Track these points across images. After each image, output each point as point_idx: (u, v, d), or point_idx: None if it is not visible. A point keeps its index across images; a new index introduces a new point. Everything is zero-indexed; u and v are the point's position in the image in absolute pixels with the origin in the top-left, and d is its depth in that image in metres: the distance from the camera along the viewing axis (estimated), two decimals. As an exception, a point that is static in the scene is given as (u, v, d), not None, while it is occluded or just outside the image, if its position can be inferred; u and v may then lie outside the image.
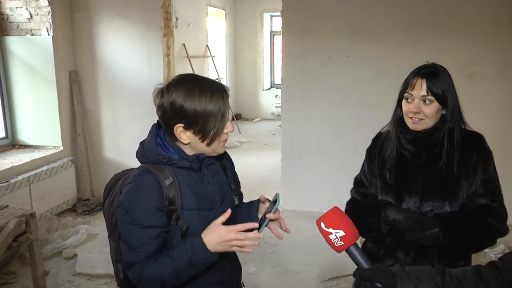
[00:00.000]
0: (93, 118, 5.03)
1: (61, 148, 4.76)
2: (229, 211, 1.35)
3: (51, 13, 4.53)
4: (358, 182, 1.84)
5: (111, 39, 4.81)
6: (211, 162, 1.51)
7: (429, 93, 1.56)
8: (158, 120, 1.45)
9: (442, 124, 1.61)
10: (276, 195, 1.43)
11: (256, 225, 1.34)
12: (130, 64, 4.82)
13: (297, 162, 4.71)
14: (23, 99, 4.72)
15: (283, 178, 4.79)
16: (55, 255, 3.78)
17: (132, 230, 1.36)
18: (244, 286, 1.71)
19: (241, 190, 1.70)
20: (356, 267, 1.20)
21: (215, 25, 9.76)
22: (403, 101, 1.64)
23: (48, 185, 4.40)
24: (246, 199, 1.71)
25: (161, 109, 1.38)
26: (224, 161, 1.60)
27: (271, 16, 10.72)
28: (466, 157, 1.61)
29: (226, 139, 1.44)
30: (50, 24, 4.55)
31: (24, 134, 4.80)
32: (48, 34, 4.56)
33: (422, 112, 1.57)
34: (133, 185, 1.38)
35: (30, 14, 4.55)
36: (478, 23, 4.09)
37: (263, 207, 1.54)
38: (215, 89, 1.36)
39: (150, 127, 1.47)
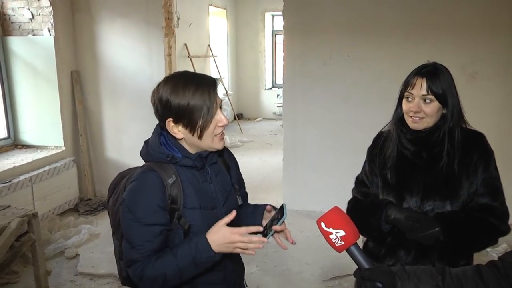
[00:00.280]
0: (95, 118, 5.04)
1: (63, 148, 4.77)
2: (234, 213, 1.36)
3: (52, 13, 4.54)
4: (359, 181, 1.84)
5: (113, 39, 4.82)
6: (214, 161, 1.52)
7: (429, 92, 1.56)
8: None
9: (443, 123, 1.60)
10: (283, 207, 1.42)
11: (261, 228, 1.37)
12: (132, 64, 4.83)
13: (298, 161, 4.72)
14: (25, 99, 4.73)
15: (285, 177, 4.80)
16: (57, 255, 3.79)
17: (134, 227, 1.37)
18: (247, 286, 1.71)
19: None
20: (356, 267, 1.21)
21: (217, 25, 9.76)
22: (404, 100, 1.64)
23: (50, 185, 4.41)
24: (248, 200, 1.72)
25: (154, 106, 1.42)
26: (228, 161, 1.61)
27: (273, 16, 10.71)
28: (467, 156, 1.60)
29: (222, 133, 1.44)
30: (52, 24, 4.56)
31: (26, 134, 4.81)
32: (50, 34, 4.58)
33: (422, 111, 1.57)
34: (136, 183, 1.39)
35: (32, 14, 4.56)
36: (479, 23, 4.09)
37: (268, 215, 1.55)
38: (200, 83, 1.38)
39: (154, 127, 1.49)
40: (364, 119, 4.34)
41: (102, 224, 4.36)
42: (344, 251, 1.22)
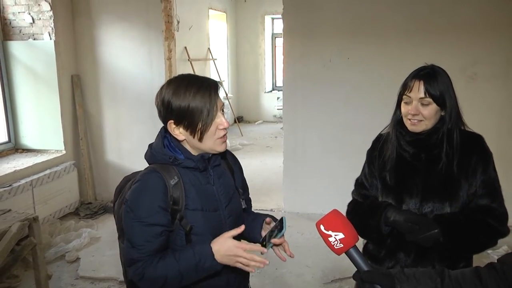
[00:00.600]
0: (95, 122, 5.05)
1: (64, 152, 4.78)
2: (242, 227, 1.38)
3: (53, 18, 4.56)
4: (359, 183, 1.84)
5: (113, 43, 4.84)
6: (217, 163, 1.52)
7: (427, 95, 1.56)
8: None
9: (441, 125, 1.61)
10: (282, 220, 1.44)
11: (265, 250, 1.40)
12: (132, 67, 4.84)
13: (299, 164, 4.72)
14: (25, 103, 4.74)
15: (285, 180, 4.80)
16: (58, 259, 3.79)
17: (135, 227, 1.38)
18: None
19: None
20: (356, 269, 1.21)
21: (217, 28, 9.79)
22: (402, 103, 1.64)
23: (50, 189, 4.41)
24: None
25: (157, 108, 1.44)
26: (232, 164, 1.61)
27: (273, 19, 10.73)
28: (466, 158, 1.61)
29: (224, 136, 1.45)
30: (52, 29, 4.58)
31: (27, 138, 4.82)
32: (50, 39, 4.59)
33: (420, 114, 1.58)
34: (138, 184, 1.41)
35: (33, 18, 4.58)
36: (479, 24, 4.09)
37: (267, 227, 1.56)
38: (202, 86, 1.39)
39: (158, 130, 1.51)
40: (365, 121, 4.34)
41: (103, 228, 4.37)
42: (343, 254, 1.22)
